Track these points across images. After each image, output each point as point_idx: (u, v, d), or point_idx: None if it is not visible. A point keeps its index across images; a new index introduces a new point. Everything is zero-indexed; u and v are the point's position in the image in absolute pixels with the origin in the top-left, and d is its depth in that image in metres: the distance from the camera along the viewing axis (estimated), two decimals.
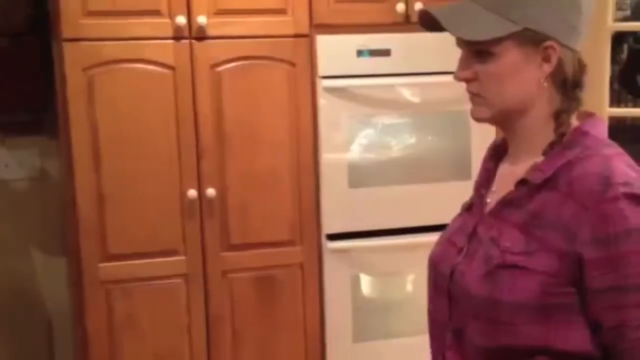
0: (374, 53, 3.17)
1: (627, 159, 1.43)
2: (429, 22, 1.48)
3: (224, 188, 3.07)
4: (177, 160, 3.04)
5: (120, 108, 2.96)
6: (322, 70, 3.13)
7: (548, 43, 1.40)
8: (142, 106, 2.98)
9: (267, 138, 3.12)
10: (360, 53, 3.16)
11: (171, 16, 2.96)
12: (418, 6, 3.17)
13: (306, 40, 3.12)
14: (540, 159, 1.45)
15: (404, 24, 3.19)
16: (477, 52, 1.44)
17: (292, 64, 3.12)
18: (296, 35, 3.11)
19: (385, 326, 3.36)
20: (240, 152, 3.10)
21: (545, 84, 1.42)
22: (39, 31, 3.37)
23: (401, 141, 3.32)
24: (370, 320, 3.35)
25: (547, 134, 1.45)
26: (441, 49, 3.34)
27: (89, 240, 2.99)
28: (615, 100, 4.43)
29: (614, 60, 3.77)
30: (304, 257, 3.21)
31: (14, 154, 3.53)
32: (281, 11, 3.09)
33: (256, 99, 3.10)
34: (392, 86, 3.22)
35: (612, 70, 3.69)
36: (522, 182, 1.45)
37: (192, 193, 3.04)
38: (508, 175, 1.51)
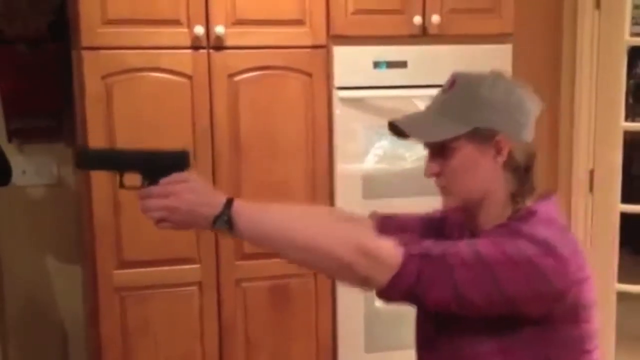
0: (391, 65, 3.18)
1: (556, 228, 1.62)
2: (397, 129, 1.73)
3: (239, 197, 3.07)
4: (193, 169, 3.05)
5: (138, 116, 2.98)
6: (339, 81, 3.15)
7: (498, 138, 1.63)
8: (159, 115, 3.00)
9: (282, 148, 3.13)
10: (376, 65, 3.18)
11: (190, 26, 2.98)
12: (435, 19, 3.20)
13: (323, 51, 3.13)
14: None
15: (421, 36, 3.20)
16: (439, 149, 1.67)
17: (309, 75, 3.13)
18: (313, 46, 3.12)
19: (397, 337, 3.34)
20: (256, 162, 3.12)
21: (500, 172, 1.66)
22: (59, 38, 3.40)
23: (416, 153, 3.31)
24: (383, 330, 3.35)
25: (505, 213, 1.68)
26: (457, 62, 3.37)
27: (104, 247, 3.01)
28: (631, 115, 4.43)
29: (629, 74, 3.77)
30: None
31: (31, 161, 3.55)
32: (299, 22, 3.10)
33: (272, 108, 3.12)
34: (408, 98, 3.22)
35: (627, 85, 3.70)
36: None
37: None
38: None
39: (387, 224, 1.88)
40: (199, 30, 2.98)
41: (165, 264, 3.06)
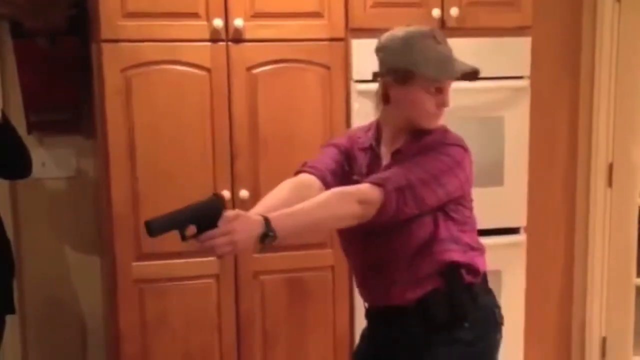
0: None
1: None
2: (466, 73, 2.31)
3: (257, 189, 3.09)
4: (212, 161, 3.07)
5: (156, 109, 2.99)
6: (357, 74, 3.14)
7: None
8: (178, 107, 3.01)
9: (300, 140, 3.14)
10: None
11: (209, 19, 2.99)
12: (454, 11, 3.20)
13: (341, 44, 3.13)
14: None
15: (440, 29, 3.18)
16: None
17: (327, 68, 3.13)
18: (332, 39, 3.13)
19: None
20: (274, 154, 3.12)
21: None
22: (78, 31, 3.41)
23: None
24: None
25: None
26: (476, 55, 3.35)
27: (123, 240, 3.02)
28: None
29: None
30: (335, 259, 3.22)
31: (51, 153, 3.57)
32: (317, 15, 3.11)
33: (291, 101, 3.13)
34: None
35: None
36: (397, 152, 2.28)
37: (226, 194, 3.06)
38: (387, 152, 2.32)
39: (324, 176, 2.34)
40: (218, 23, 2.99)
41: (183, 257, 3.06)
